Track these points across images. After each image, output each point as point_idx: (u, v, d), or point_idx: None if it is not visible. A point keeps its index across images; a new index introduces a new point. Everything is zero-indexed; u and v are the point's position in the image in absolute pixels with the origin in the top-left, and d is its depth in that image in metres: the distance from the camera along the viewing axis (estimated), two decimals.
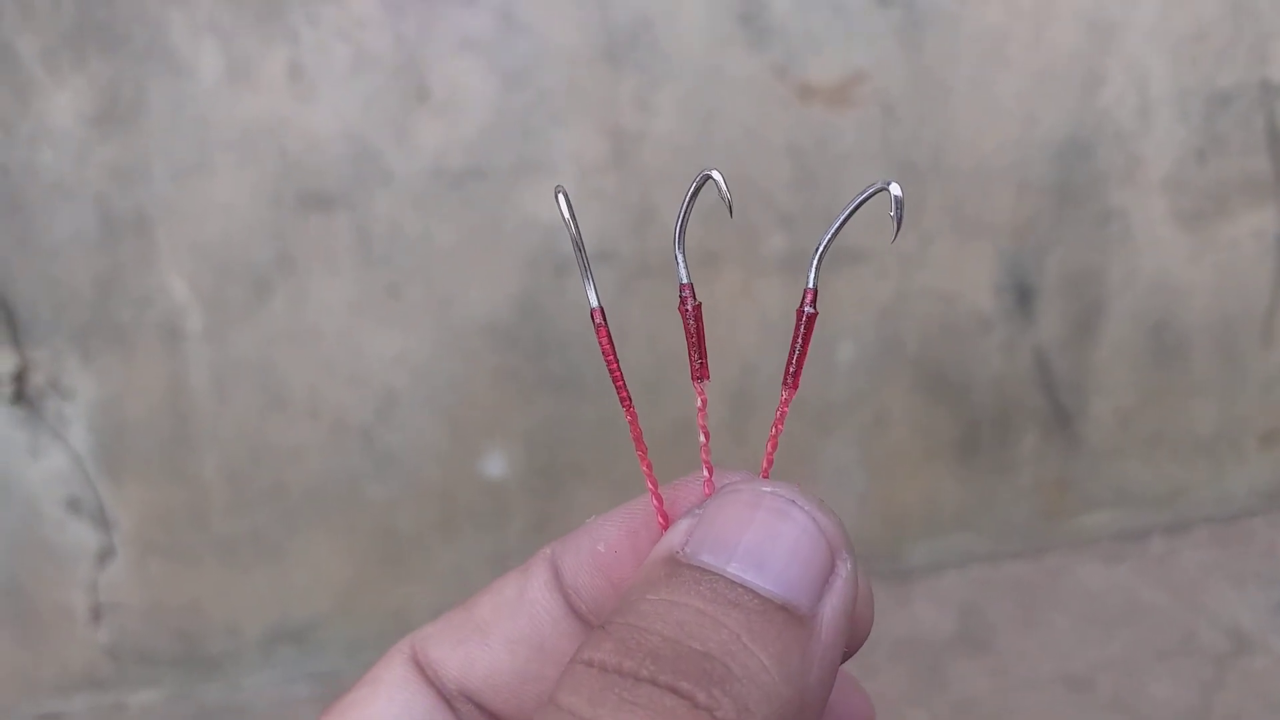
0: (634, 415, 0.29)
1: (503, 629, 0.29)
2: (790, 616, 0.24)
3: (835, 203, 0.78)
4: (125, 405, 0.76)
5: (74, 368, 0.74)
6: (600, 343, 0.29)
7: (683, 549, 0.25)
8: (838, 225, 0.28)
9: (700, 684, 0.22)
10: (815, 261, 0.28)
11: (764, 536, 0.25)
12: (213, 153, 0.71)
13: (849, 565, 0.25)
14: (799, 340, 0.29)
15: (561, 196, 0.28)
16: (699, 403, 0.29)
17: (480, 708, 0.30)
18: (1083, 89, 0.78)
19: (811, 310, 0.28)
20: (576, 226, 0.28)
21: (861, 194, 0.28)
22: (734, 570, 0.24)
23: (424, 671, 0.29)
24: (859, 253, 0.80)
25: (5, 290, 0.72)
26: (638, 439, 0.29)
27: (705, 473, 0.29)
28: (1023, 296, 0.83)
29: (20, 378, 0.74)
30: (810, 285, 0.28)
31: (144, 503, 0.79)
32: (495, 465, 0.83)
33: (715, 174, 0.27)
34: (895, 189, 0.27)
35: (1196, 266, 0.85)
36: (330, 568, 0.83)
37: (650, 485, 0.29)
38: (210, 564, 0.82)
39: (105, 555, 0.80)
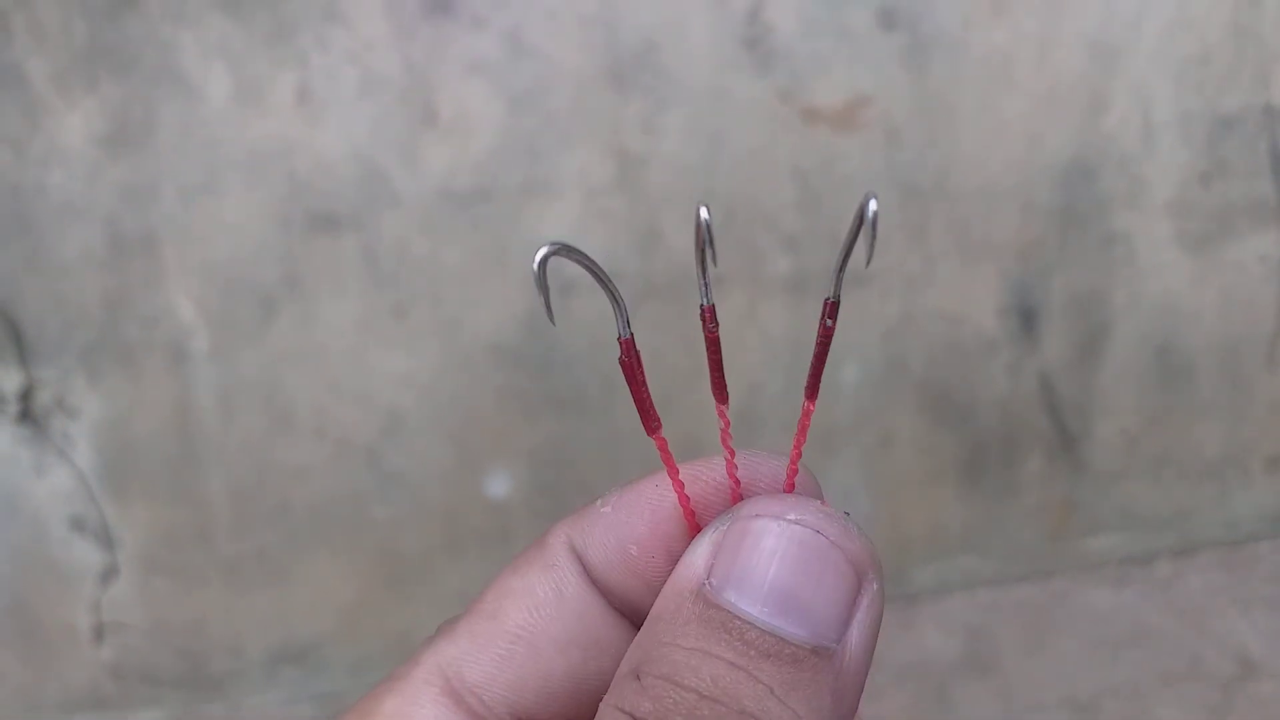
0: (664, 441, 0.29)
1: (549, 634, 0.28)
2: (820, 658, 0.24)
3: (840, 225, 0.78)
4: (131, 424, 0.76)
5: (80, 387, 0.75)
6: (625, 373, 0.28)
7: (709, 582, 0.25)
8: (846, 246, 0.27)
9: None
10: (837, 274, 0.28)
11: (791, 572, 0.25)
12: (221, 174, 0.72)
13: (875, 586, 0.25)
14: (818, 354, 0.28)
15: (539, 261, 0.27)
16: (722, 424, 0.29)
17: None
18: (1087, 112, 0.79)
19: (830, 323, 0.28)
20: (602, 274, 0.27)
21: (858, 214, 0.27)
22: (764, 617, 0.24)
23: (463, 702, 0.28)
24: (863, 274, 0.80)
25: (13, 309, 0.73)
26: (671, 468, 0.29)
27: (733, 484, 0.28)
28: (1027, 319, 0.83)
29: (26, 396, 0.75)
30: (832, 298, 0.27)
31: (148, 522, 0.79)
32: (500, 485, 0.83)
33: (703, 210, 0.26)
34: (872, 205, 0.25)
35: (1201, 289, 0.85)
36: (334, 588, 0.83)
37: (684, 505, 0.28)
38: (214, 584, 0.82)
39: (109, 574, 0.80)
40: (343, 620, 0.84)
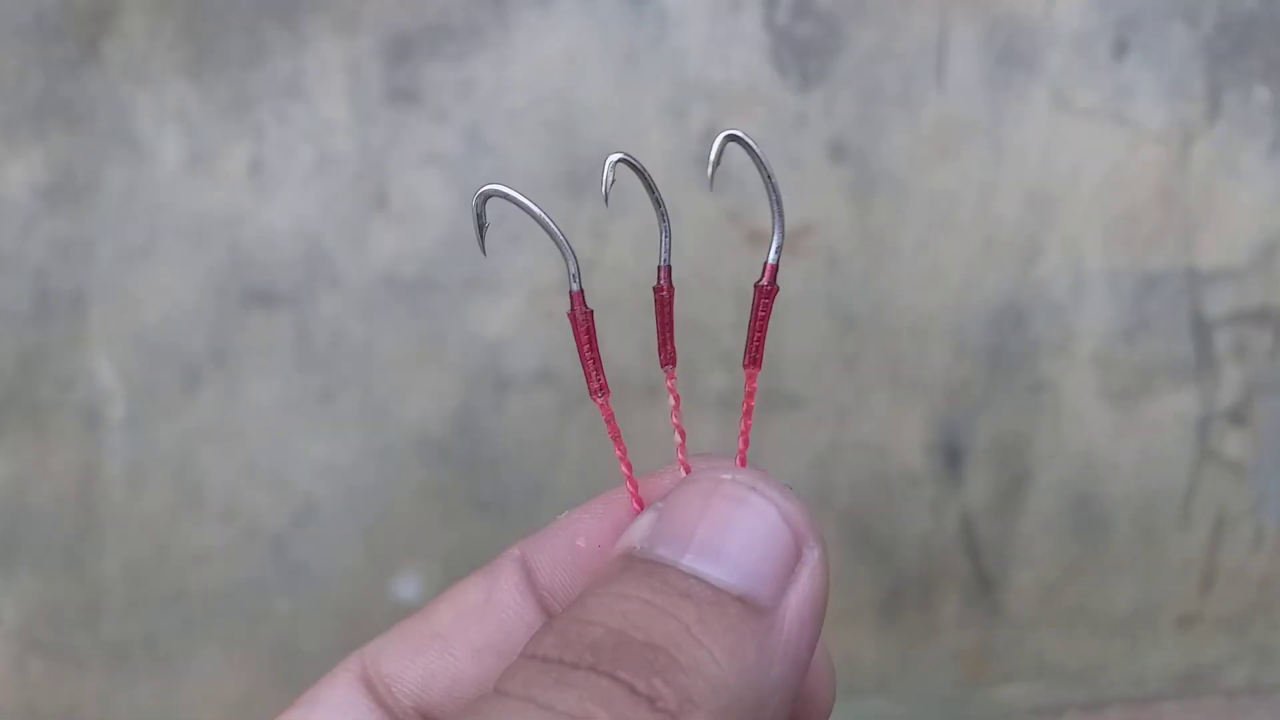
0: (610, 411, 0.29)
1: (468, 636, 0.27)
2: (747, 608, 0.23)
3: (776, 347, 0.79)
4: (31, 488, 0.73)
5: None
6: (573, 328, 0.28)
7: (640, 543, 0.24)
8: (774, 202, 0.28)
9: (640, 673, 0.21)
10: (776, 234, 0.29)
11: (720, 525, 0.24)
12: (162, 238, 0.71)
13: (816, 554, 0.24)
14: (757, 316, 0.29)
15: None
16: (671, 401, 0.29)
17: None
18: (1022, 259, 0.82)
19: (764, 284, 0.29)
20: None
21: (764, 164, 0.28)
22: (688, 562, 0.23)
23: (374, 689, 0.27)
24: (796, 398, 0.81)
25: None
26: (615, 437, 0.29)
27: (682, 471, 0.28)
28: (952, 458, 0.85)
29: None
30: (771, 260, 0.30)
31: (34, 595, 0.74)
32: (409, 587, 0.80)
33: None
34: (718, 140, 0.28)
35: (1121, 443, 0.87)
36: (224, 683, 0.79)
37: (628, 479, 0.28)
38: (95, 669, 0.77)
39: None
40: (230, 718, 0.79)
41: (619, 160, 0.27)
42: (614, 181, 0.27)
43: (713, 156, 0.27)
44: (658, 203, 0.28)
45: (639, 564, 0.24)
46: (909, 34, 0.77)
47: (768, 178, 0.28)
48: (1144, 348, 0.85)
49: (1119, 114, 0.81)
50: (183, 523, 0.75)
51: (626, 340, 0.77)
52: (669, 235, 0.29)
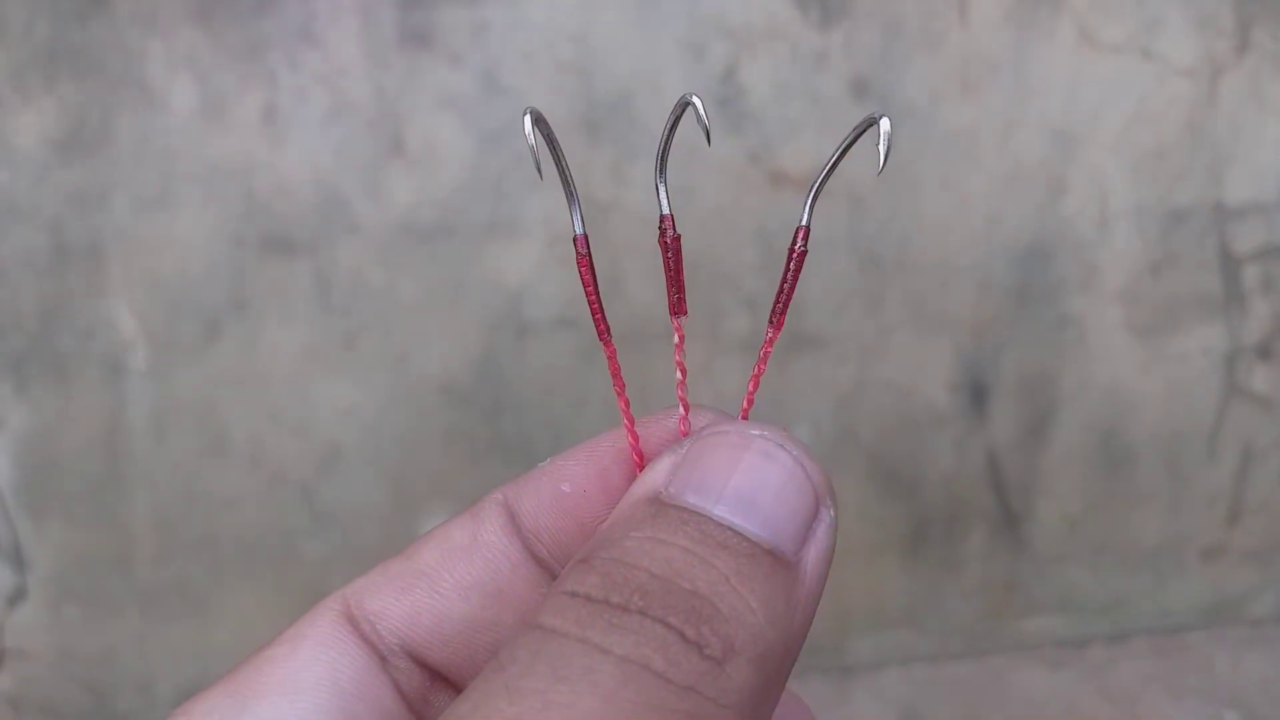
0: (613, 350, 0.29)
1: (454, 575, 0.28)
2: (776, 561, 0.24)
3: (799, 286, 0.78)
4: (57, 439, 0.73)
5: (6, 396, 0.72)
6: (580, 273, 0.28)
7: (666, 489, 0.25)
8: (832, 162, 0.28)
9: (689, 620, 0.22)
10: (809, 200, 0.29)
11: (752, 480, 0.25)
12: (177, 187, 0.70)
13: (831, 513, 0.26)
14: (788, 279, 0.29)
15: (528, 118, 0.27)
16: (676, 339, 0.29)
17: (421, 663, 0.28)
18: (1046, 196, 0.80)
19: (802, 248, 0.29)
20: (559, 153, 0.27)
21: (854, 130, 0.28)
22: (721, 512, 0.24)
23: (358, 627, 0.28)
24: (820, 338, 0.80)
25: None
26: (615, 374, 0.29)
27: (681, 409, 0.28)
28: (978, 395, 0.84)
29: None
30: (804, 223, 0.28)
31: (65, 544, 0.75)
32: None
33: (695, 99, 0.27)
34: (885, 124, 0.27)
35: (1147, 378, 0.86)
36: (256, 626, 0.80)
37: (626, 421, 0.28)
38: (129, 614, 0.78)
39: (16, 597, 0.76)
40: None
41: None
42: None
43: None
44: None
45: (671, 511, 0.24)
46: None
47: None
48: (1171, 283, 0.84)
49: (1146, 49, 0.79)
50: (209, 470, 0.76)
51: (648, 281, 0.76)
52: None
